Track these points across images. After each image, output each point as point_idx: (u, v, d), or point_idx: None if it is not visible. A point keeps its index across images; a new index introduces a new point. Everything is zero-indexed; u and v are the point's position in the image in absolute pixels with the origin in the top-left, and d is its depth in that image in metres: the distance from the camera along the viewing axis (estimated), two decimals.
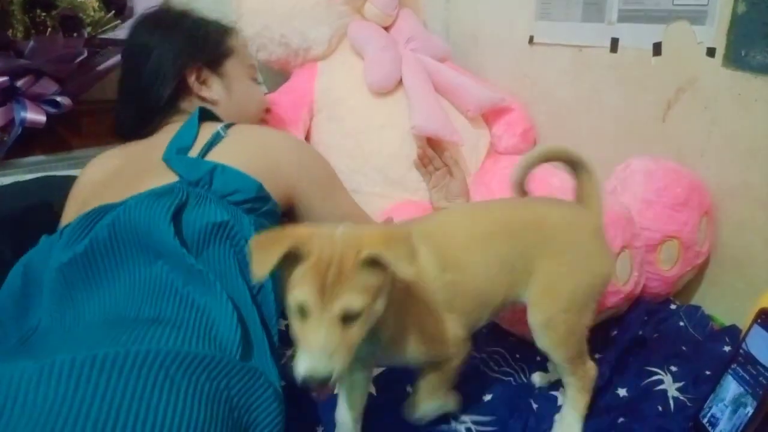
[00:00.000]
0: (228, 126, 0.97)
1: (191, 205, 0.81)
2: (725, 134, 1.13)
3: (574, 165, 0.88)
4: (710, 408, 0.82)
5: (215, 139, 0.93)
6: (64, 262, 0.75)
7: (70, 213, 0.96)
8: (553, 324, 0.79)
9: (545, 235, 0.80)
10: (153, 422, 0.54)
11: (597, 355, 0.97)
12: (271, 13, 1.36)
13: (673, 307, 1.12)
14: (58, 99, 1.29)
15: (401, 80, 1.35)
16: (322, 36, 1.37)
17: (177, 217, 0.78)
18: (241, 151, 0.93)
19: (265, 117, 1.24)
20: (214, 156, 0.90)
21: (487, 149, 1.45)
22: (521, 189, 0.87)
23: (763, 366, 0.79)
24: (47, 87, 1.28)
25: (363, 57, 1.37)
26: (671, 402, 0.88)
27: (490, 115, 1.51)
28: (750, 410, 0.77)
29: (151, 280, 0.72)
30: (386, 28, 1.44)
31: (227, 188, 0.87)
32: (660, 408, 0.86)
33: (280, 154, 0.98)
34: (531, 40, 1.50)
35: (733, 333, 1.04)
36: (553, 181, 1.34)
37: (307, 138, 1.37)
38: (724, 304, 1.15)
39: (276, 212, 0.94)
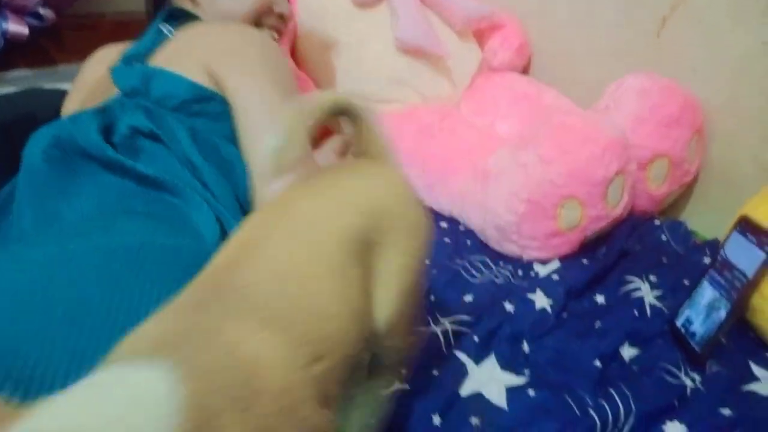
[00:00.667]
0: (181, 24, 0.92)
1: (121, 118, 0.80)
2: (717, 50, 1.11)
3: (351, 116, 0.65)
4: (685, 312, 0.85)
5: (156, 40, 0.89)
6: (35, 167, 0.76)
7: (70, 107, 0.95)
8: (398, 327, 0.62)
9: (384, 227, 0.59)
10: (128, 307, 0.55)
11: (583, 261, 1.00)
12: None
13: (657, 222, 1.13)
14: (41, 11, 1.27)
15: None
16: None
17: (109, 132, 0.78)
18: (181, 49, 0.88)
19: (277, 26, 1.07)
20: (158, 59, 0.87)
21: (478, 66, 1.43)
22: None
23: (739, 270, 0.80)
24: None
25: None
26: (648, 308, 0.90)
27: (485, 30, 1.49)
28: (724, 313, 0.79)
29: (111, 185, 0.73)
30: None
31: (162, 93, 0.83)
32: (636, 313, 0.88)
33: (217, 42, 0.90)
34: None
35: (713, 246, 1.05)
36: (545, 98, 1.34)
37: (293, 52, 1.35)
38: (709, 220, 1.16)
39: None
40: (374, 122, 0.67)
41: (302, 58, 1.36)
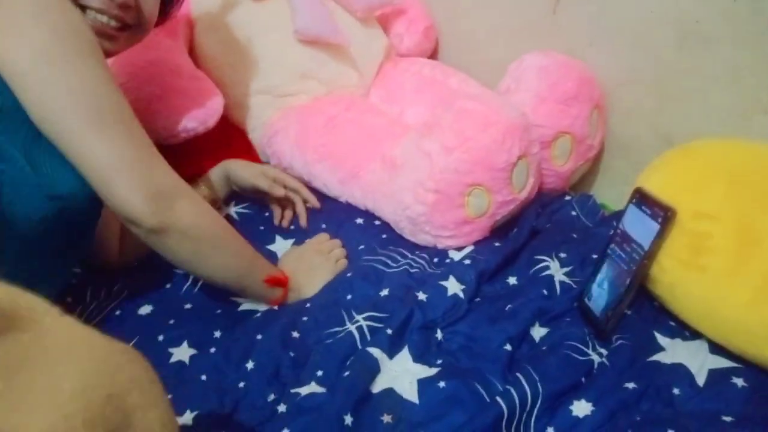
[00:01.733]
0: None
1: None
2: (613, 22, 1.13)
3: None
4: (590, 287, 0.86)
5: None
6: None
7: None
8: None
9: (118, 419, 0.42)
10: None
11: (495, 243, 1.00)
12: None
13: (567, 198, 1.15)
14: None
15: None
16: None
17: None
18: None
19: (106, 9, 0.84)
20: None
21: (384, 53, 1.41)
22: None
23: (637, 243, 0.82)
24: None
25: None
26: (557, 285, 0.91)
27: (389, 16, 1.48)
28: (625, 285, 0.81)
29: None
30: None
31: None
32: (545, 291, 0.89)
33: None
34: None
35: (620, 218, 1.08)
36: (451, 82, 1.33)
37: (191, 53, 1.30)
38: (614, 191, 1.19)
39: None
40: None
41: (202, 56, 1.31)
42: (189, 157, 1.20)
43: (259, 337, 0.84)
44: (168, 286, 0.98)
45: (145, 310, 0.94)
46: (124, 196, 0.72)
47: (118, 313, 0.93)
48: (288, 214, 1.16)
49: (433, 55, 1.55)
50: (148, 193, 0.73)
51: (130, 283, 0.99)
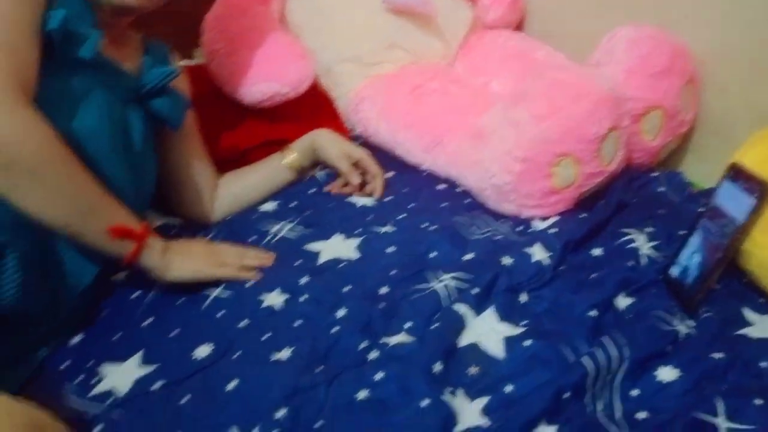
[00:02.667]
0: None
1: None
2: None
3: None
4: (679, 261, 0.86)
5: None
6: None
7: None
8: None
9: None
10: None
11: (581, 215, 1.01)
12: None
13: (654, 174, 1.14)
14: None
15: None
16: None
17: None
18: None
19: None
20: None
21: (470, 23, 1.42)
22: None
23: (730, 217, 0.82)
24: None
25: None
26: (643, 258, 0.91)
27: None
28: (715, 259, 0.81)
29: None
30: None
31: None
32: (630, 263, 0.90)
33: None
34: None
35: (710, 195, 1.06)
36: (538, 55, 1.33)
37: (282, 20, 1.34)
38: (704, 169, 1.17)
39: None
40: None
41: (292, 24, 1.35)
42: (279, 121, 1.26)
43: (346, 289, 0.88)
44: (254, 237, 1.03)
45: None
46: None
47: None
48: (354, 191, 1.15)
49: (518, 27, 1.55)
50: None
51: (219, 236, 1.05)
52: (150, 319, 0.85)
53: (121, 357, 0.79)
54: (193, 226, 1.09)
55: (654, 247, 0.94)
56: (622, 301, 0.85)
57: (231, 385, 0.73)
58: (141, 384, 0.75)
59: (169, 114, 0.98)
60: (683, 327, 0.78)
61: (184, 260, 0.87)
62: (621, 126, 1.01)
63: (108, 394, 0.74)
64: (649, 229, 0.98)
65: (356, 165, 1.14)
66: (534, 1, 1.53)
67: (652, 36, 1.11)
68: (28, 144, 0.71)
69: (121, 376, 0.76)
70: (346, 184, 1.15)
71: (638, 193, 1.09)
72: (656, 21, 1.16)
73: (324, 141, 1.15)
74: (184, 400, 0.72)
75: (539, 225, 1.01)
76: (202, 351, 0.79)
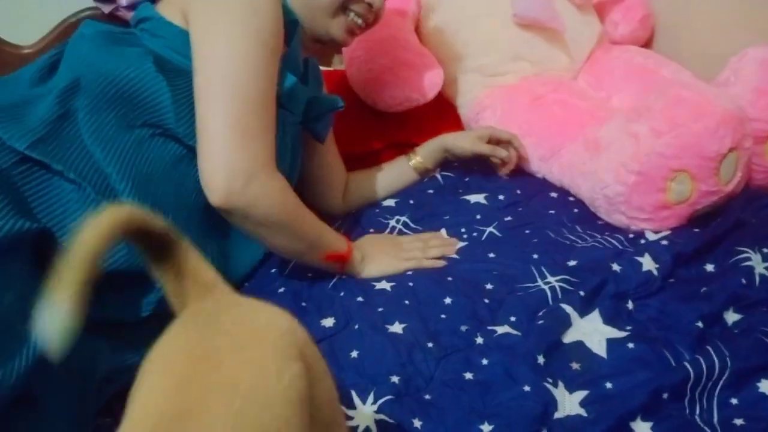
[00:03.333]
0: None
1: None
2: None
3: (159, 242, 0.53)
4: None
5: None
6: None
7: None
8: None
9: (308, 364, 0.53)
10: None
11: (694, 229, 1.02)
12: None
13: None
14: None
15: None
16: None
17: None
18: None
19: (364, 14, 1.04)
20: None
21: (597, 39, 1.45)
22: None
23: None
24: None
25: None
26: (756, 277, 0.92)
27: (607, 3, 1.50)
28: None
29: None
30: None
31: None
32: (744, 281, 0.91)
33: None
34: None
35: None
36: (664, 72, 1.34)
37: (416, 31, 1.43)
38: None
39: None
40: (192, 247, 0.56)
41: (425, 34, 1.44)
42: (406, 125, 1.36)
43: (450, 279, 0.95)
44: (371, 230, 1.13)
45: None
46: (204, 165, 0.81)
47: None
48: (508, 164, 1.23)
49: (647, 44, 1.55)
50: (226, 171, 0.80)
51: (344, 226, 1.16)
52: (282, 289, 0.97)
53: None
54: (322, 215, 1.20)
55: None
56: (731, 317, 0.87)
57: (353, 354, 0.82)
58: None
59: (321, 132, 1.12)
60: None
61: (379, 264, 1.01)
62: (743, 147, 1.01)
63: None
64: (766, 250, 0.98)
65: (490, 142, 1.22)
66: (664, 18, 1.52)
67: None
68: (278, 207, 0.86)
69: None
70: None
71: (757, 214, 1.08)
72: None
73: (452, 140, 1.24)
74: None
75: (651, 236, 1.03)
76: (328, 322, 0.89)
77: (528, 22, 1.34)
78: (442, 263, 1.01)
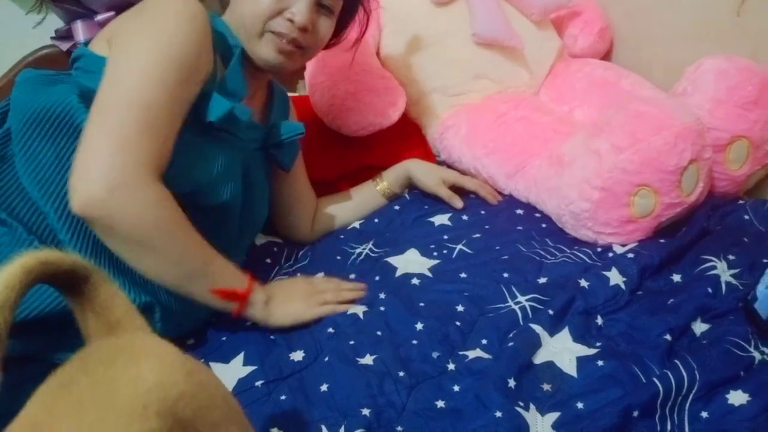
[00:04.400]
0: None
1: None
2: None
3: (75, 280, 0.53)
4: (760, 289, 0.87)
5: None
6: None
7: None
8: None
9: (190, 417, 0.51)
10: None
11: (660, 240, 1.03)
12: None
13: (741, 202, 1.14)
14: None
15: None
16: None
17: None
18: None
19: (284, 33, 0.95)
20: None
21: (556, 53, 1.47)
22: None
23: None
24: None
25: None
26: (723, 285, 0.93)
27: (564, 17, 1.53)
28: None
29: None
30: None
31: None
32: (710, 290, 0.91)
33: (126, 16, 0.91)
34: None
35: None
36: (624, 83, 1.36)
37: (378, 54, 1.44)
38: None
39: None
40: (108, 281, 0.55)
41: (387, 57, 1.44)
42: (371, 148, 1.36)
43: (422, 304, 0.95)
44: (338, 258, 1.13)
45: (319, 275, 1.07)
46: (73, 168, 0.77)
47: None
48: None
49: (606, 56, 1.58)
50: (91, 175, 0.76)
51: (311, 253, 1.16)
52: (250, 323, 0.95)
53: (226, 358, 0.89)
54: (291, 244, 1.20)
55: (734, 275, 0.95)
56: (699, 327, 0.87)
57: (323, 387, 0.81)
58: (243, 382, 0.84)
59: (285, 161, 1.10)
60: (758, 354, 0.80)
61: (286, 308, 0.94)
62: (702, 158, 1.02)
63: None
64: (732, 257, 0.99)
65: (452, 187, 1.23)
66: (622, 29, 1.55)
67: (741, 66, 1.11)
68: (145, 221, 0.79)
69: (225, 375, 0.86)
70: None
71: (722, 221, 1.10)
72: (746, 52, 1.17)
73: (418, 171, 1.25)
74: (283, 397, 0.81)
75: (618, 249, 1.04)
76: (297, 355, 0.88)
77: (487, 41, 1.35)
78: (349, 307, 0.96)
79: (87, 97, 0.83)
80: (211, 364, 0.88)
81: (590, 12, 1.51)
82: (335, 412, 0.77)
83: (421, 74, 1.41)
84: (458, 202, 1.22)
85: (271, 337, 0.92)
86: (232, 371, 0.87)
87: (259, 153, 1.05)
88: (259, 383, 0.84)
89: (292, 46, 0.96)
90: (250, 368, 0.87)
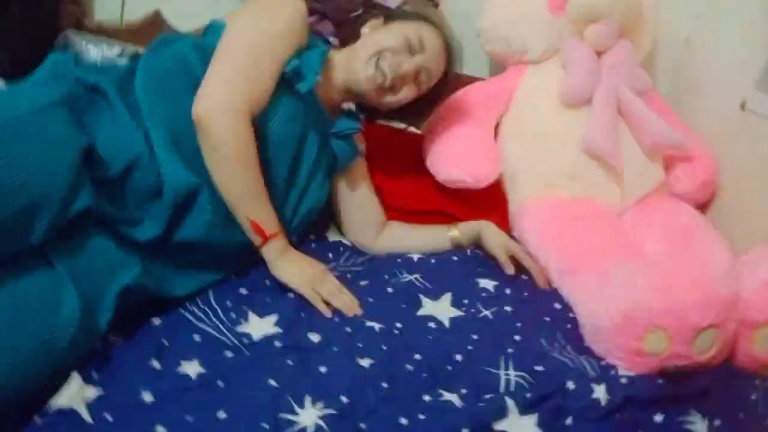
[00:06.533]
0: None
1: None
2: None
3: None
4: None
5: None
6: None
7: None
8: None
9: None
10: None
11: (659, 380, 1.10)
12: (505, 15, 1.61)
13: (754, 381, 1.17)
14: (330, 39, 1.66)
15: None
16: (538, 46, 1.60)
17: None
18: None
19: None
20: None
21: (654, 186, 1.55)
22: None
23: None
24: (326, 27, 1.66)
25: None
26: None
27: (676, 157, 1.59)
28: None
29: None
30: (600, 53, 1.56)
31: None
32: None
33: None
34: (743, 106, 1.53)
35: None
36: (698, 235, 1.41)
37: (495, 128, 1.61)
38: None
39: None
40: None
41: (505, 131, 1.61)
42: (456, 198, 1.52)
43: (417, 356, 1.09)
44: (386, 276, 1.30)
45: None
46: (208, 81, 1.10)
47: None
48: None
49: (705, 206, 1.61)
50: (219, 90, 1.09)
51: (368, 263, 1.35)
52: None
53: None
54: (358, 251, 1.40)
55: None
56: None
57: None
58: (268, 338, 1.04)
59: (339, 154, 1.31)
60: None
61: (292, 269, 1.14)
62: (725, 328, 1.09)
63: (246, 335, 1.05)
64: (717, 423, 1.05)
65: (512, 258, 1.36)
66: (728, 188, 1.59)
67: None
68: (232, 140, 1.07)
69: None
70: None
71: (728, 390, 1.14)
72: None
73: (489, 232, 1.40)
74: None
75: (618, 371, 1.11)
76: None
77: (592, 150, 1.47)
78: (329, 314, 1.12)
79: (198, 47, 1.18)
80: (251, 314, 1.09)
81: (701, 161, 1.57)
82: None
83: (526, 155, 1.56)
84: (510, 269, 1.34)
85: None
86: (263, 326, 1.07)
87: (317, 138, 1.26)
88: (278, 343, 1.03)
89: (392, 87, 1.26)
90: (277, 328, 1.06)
